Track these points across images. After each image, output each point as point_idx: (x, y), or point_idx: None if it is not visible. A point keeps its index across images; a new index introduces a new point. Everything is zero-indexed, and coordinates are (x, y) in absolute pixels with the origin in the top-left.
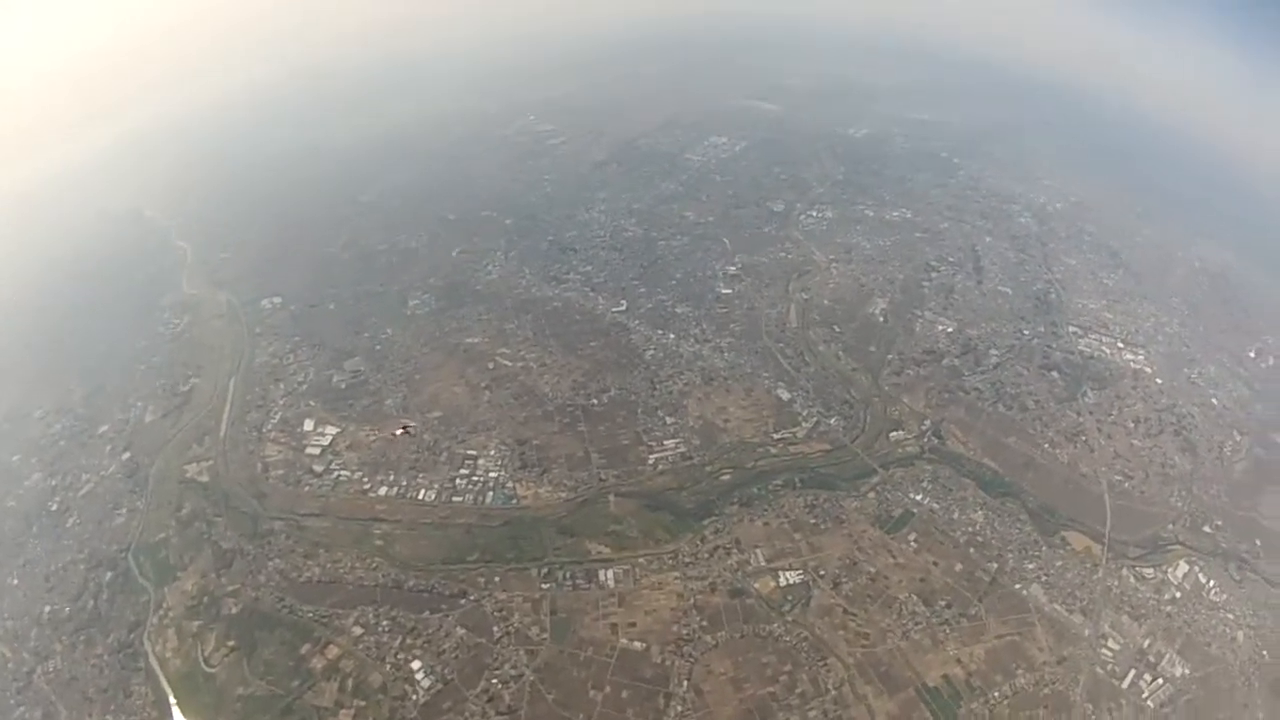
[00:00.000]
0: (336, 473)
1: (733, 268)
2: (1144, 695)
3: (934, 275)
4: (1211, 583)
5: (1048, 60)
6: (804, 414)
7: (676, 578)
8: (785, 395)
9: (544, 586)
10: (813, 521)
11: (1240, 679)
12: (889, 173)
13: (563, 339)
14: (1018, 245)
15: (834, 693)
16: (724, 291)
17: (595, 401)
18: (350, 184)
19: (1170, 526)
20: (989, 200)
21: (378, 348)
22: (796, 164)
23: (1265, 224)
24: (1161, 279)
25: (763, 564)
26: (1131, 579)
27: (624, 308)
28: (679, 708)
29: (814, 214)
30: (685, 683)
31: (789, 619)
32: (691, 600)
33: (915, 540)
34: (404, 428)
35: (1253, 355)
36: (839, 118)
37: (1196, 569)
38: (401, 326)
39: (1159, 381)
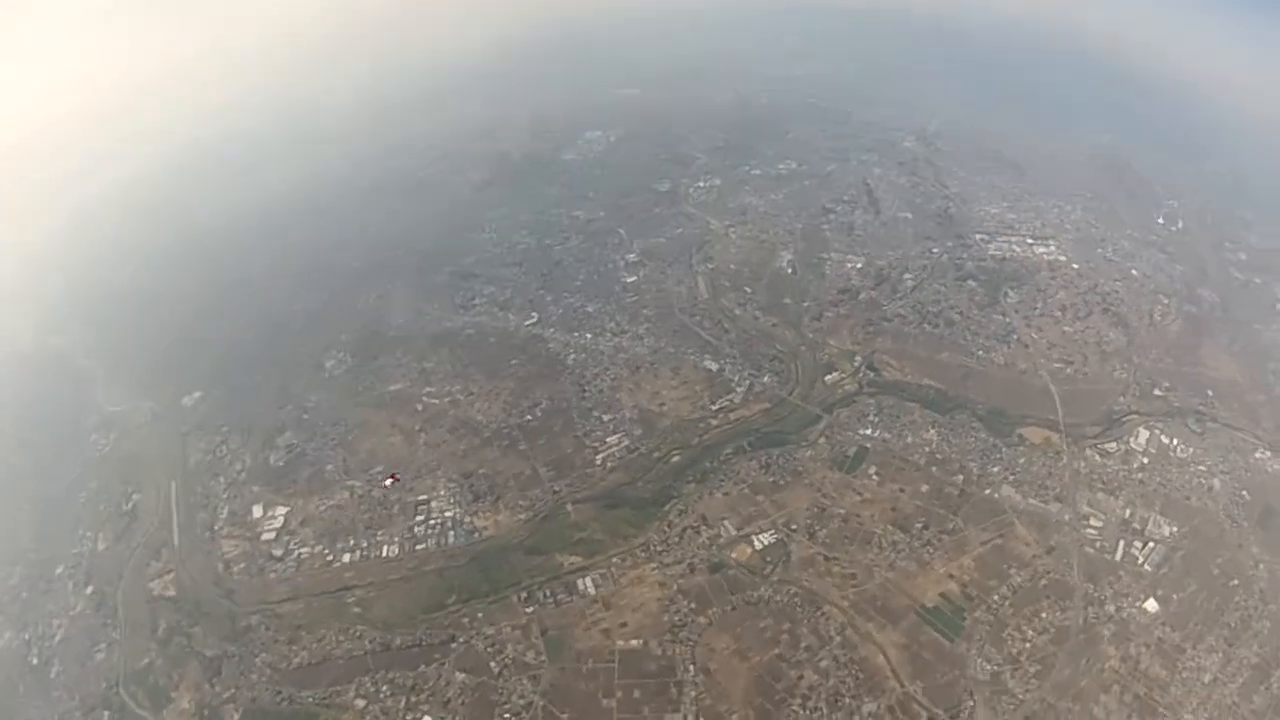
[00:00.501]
0: (297, 552)
1: (633, 255)
2: (1140, 562)
3: (832, 217)
4: (1174, 441)
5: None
6: (736, 380)
7: (654, 568)
8: (713, 366)
9: (528, 610)
10: (771, 480)
11: (1227, 521)
12: (768, 130)
13: (483, 364)
14: (908, 170)
15: (838, 638)
16: (629, 280)
17: (530, 417)
18: (245, 256)
19: (1121, 399)
20: (871, 135)
21: (305, 417)
22: (675, 141)
23: (1145, 107)
24: (1055, 172)
25: (734, 533)
26: (1096, 457)
27: (536, 319)
28: (693, 692)
29: (701, 185)
30: (691, 667)
31: (774, 580)
32: (674, 586)
33: (876, 473)
34: (392, 476)
35: (1161, 221)
36: (708, 88)
37: (1157, 432)
38: (324, 390)
39: (1075, 267)
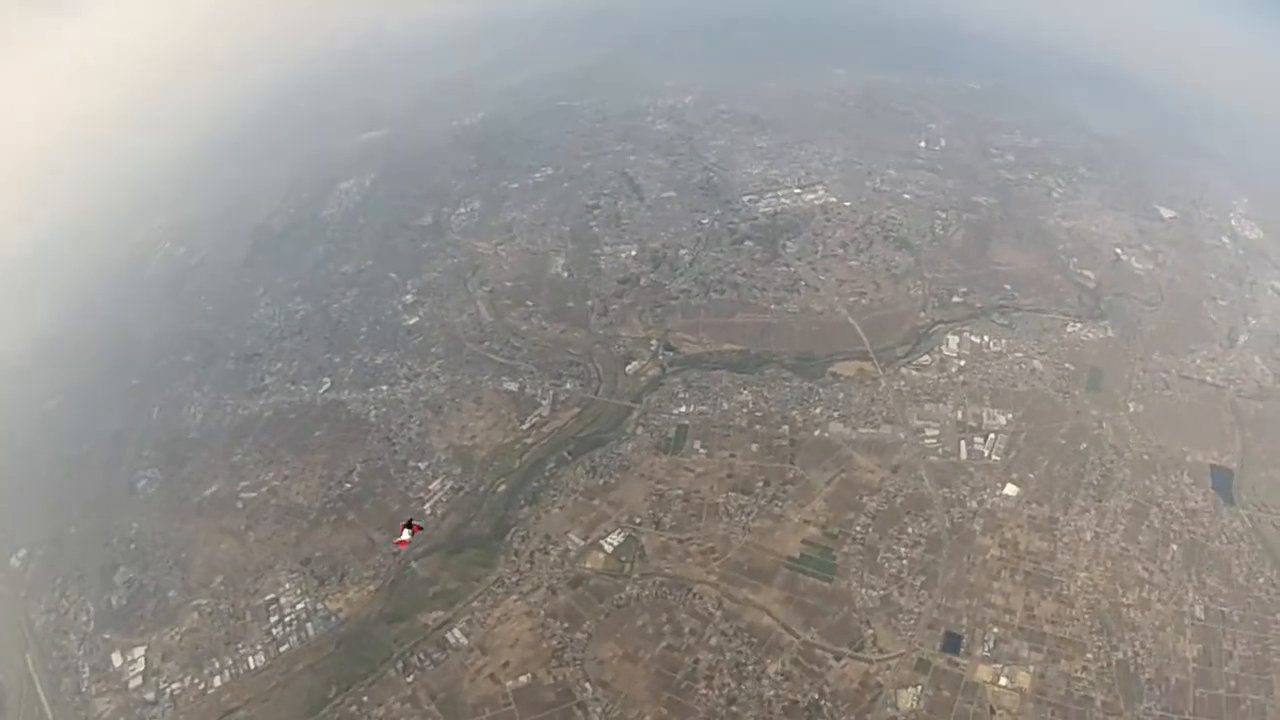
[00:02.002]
0: (168, 690)
1: (409, 297)
2: (986, 455)
3: (597, 212)
4: (985, 339)
5: None
6: (539, 394)
7: (516, 600)
8: (514, 386)
9: (409, 680)
10: (601, 482)
11: (1059, 395)
12: (517, 141)
13: (290, 444)
14: (663, 151)
15: (719, 613)
16: (411, 322)
17: (349, 485)
18: (23, 385)
19: (922, 314)
20: (620, 123)
21: (133, 546)
22: (428, 173)
23: (891, 40)
24: (812, 120)
25: (582, 543)
26: (913, 373)
27: (329, 385)
28: (598, 709)
29: (462, 211)
30: (588, 685)
31: (636, 577)
32: (542, 612)
33: (702, 447)
34: (411, 525)
35: (923, 145)
36: (450, 113)
37: (966, 334)
38: (142, 513)
39: (847, 204)
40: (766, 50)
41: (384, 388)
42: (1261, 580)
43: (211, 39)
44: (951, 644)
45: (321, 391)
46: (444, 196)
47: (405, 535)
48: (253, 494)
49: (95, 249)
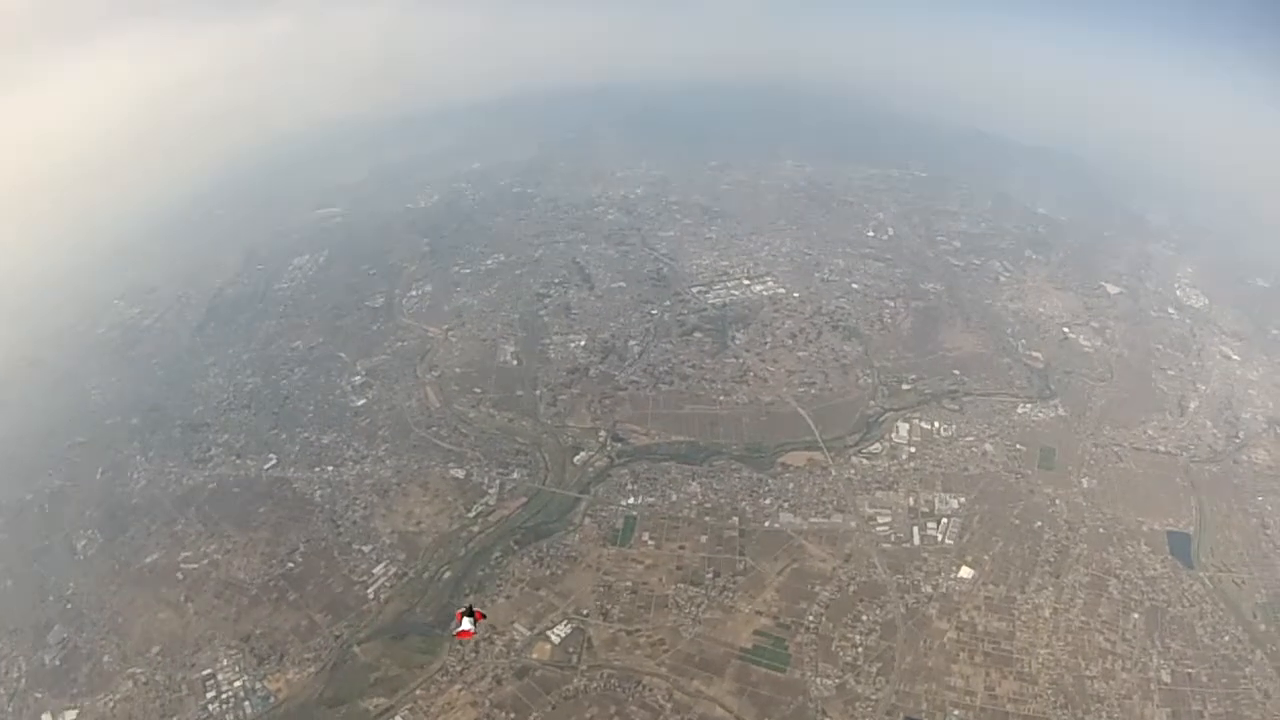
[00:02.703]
0: None
1: (358, 377)
2: (939, 539)
3: (547, 301)
4: (936, 424)
5: (579, 75)
6: (485, 482)
7: (460, 690)
8: (460, 473)
9: None
10: (548, 572)
11: (1011, 476)
12: (470, 226)
13: (233, 518)
14: (615, 241)
15: (669, 705)
16: (360, 403)
17: (291, 565)
18: None
19: (871, 402)
20: (573, 213)
21: (69, 607)
22: (382, 254)
23: (840, 133)
24: (761, 212)
25: (528, 634)
26: (864, 461)
27: (275, 461)
28: None
29: (414, 294)
30: None
31: (583, 669)
32: (487, 703)
33: (650, 538)
34: (474, 613)
35: (871, 234)
36: (405, 195)
37: (917, 421)
38: (81, 574)
39: (796, 295)
40: (718, 143)
41: (330, 468)
42: (1227, 638)
43: (178, 111)
44: None
45: (267, 468)
46: (396, 278)
47: (467, 624)
48: (194, 565)
49: (48, 307)
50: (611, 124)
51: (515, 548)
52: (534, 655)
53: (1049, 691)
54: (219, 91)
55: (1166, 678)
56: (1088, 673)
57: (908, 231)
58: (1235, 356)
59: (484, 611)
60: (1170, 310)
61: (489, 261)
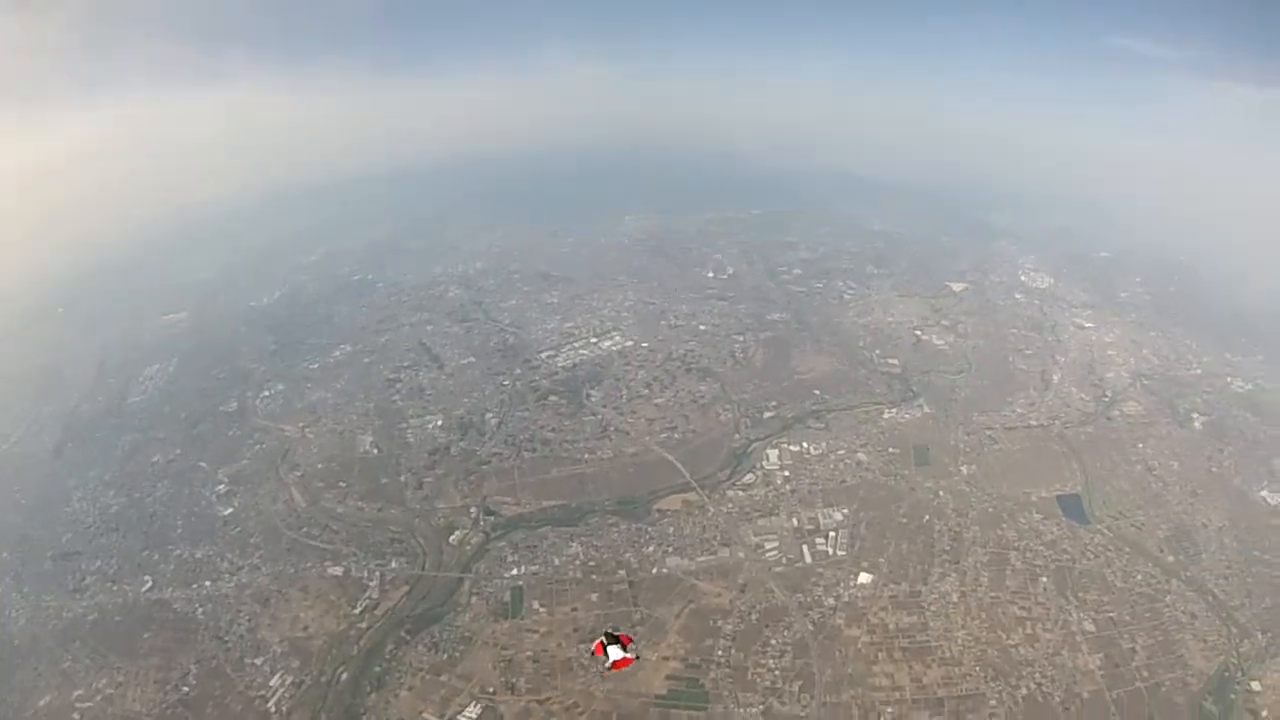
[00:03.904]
0: None
1: (222, 487)
2: (831, 552)
3: (399, 385)
4: (804, 445)
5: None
6: (365, 576)
7: None
8: (338, 571)
9: None
10: (446, 657)
11: (889, 479)
12: (314, 319)
13: (119, 648)
14: (459, 318)
15: None
16: (227, 513)
17: (186, 689)
18: None
19: (736, 436)
20: (415, 294)
21: None
22: (230, 356)
23: (674, 185)
24: (598, 268)
25: None
26: (739, 493)
27: (150, 583)
28: None
29: (266, 394)
30: None
31: None
32: None
33: (541, 606)
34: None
35: (712, 275)
36: (247, 292)
37: (784, 445)
38: None
39: (645, 345)
40: (553, 208)
41: (207, 583)
42: (1140, 577)
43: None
44: None
45: (144, 590)
46: (247, 380)
47: (617, 653)
48: (88, 704)
49: None
50: (455, 199)
51: (407, 638)
52: None
53: (976, 669)
54: (62, 181)
55: (1090, 627)
56: (1010, 642)
57: (747, 268)
58: (1089, 325)
59: (629, 635)
60: (1018, 296)
61: (336, 353)
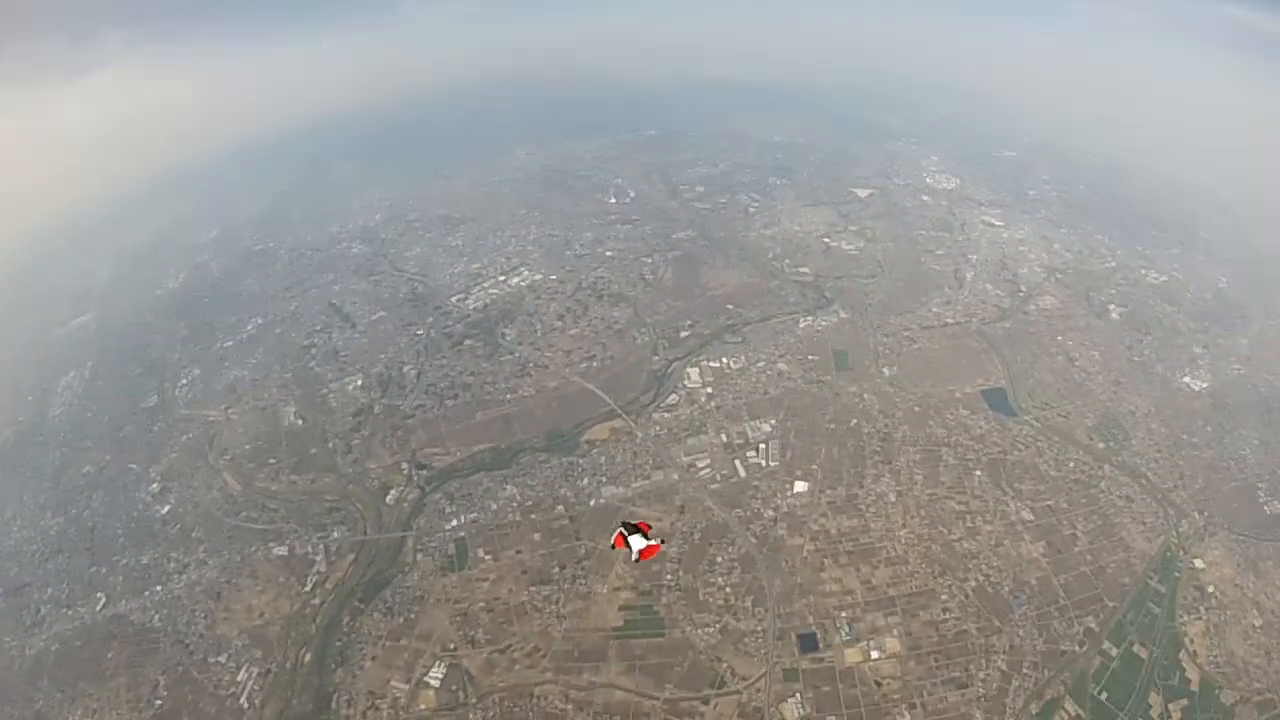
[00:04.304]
0: None
1: (156, 486)
2: (764, 464)
3: (314, 350)
4: (724, 360)
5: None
6: (310, 551)
7: None
8: (283, 550)
9: None
10: (402, 620)
11: (813, 386)
12: (222, 296)
13: (88, 674)
14: (364, 273)
15: (569, 706)
16: (165, 511)
17: (159, 701)
18: None
19: (654, 359)
20: (318, 255)
21: None
22: (142, 349)
23: (563, 112)
24: (498, 206)
25: (407, 687)
26: (665, 415)
27: (104, 600)
28: None
29: (184, 382)
30: None
31: (473, 702)
32: None
33: (486, 554)
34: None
35: (614, 200)
36: (151, 281)
37: (704, 363)
38: None
39: (554, 278)
40: (441, 152)
41: (158, 588)
42: (1072, 464)
43: None
44: (808, 644)
45: (99, 609)
46: (163, 370)
47: (640, 542)
48: None
49: None
50: (341, 156)
51: (361, 607)
52: (421, 706)
53: (923, 566)
54: None
55: (1029, 516)
56: (952, 536)
57: (648, 190)
58: (999, 223)
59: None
60: (924, 198)
61: (248, 327)
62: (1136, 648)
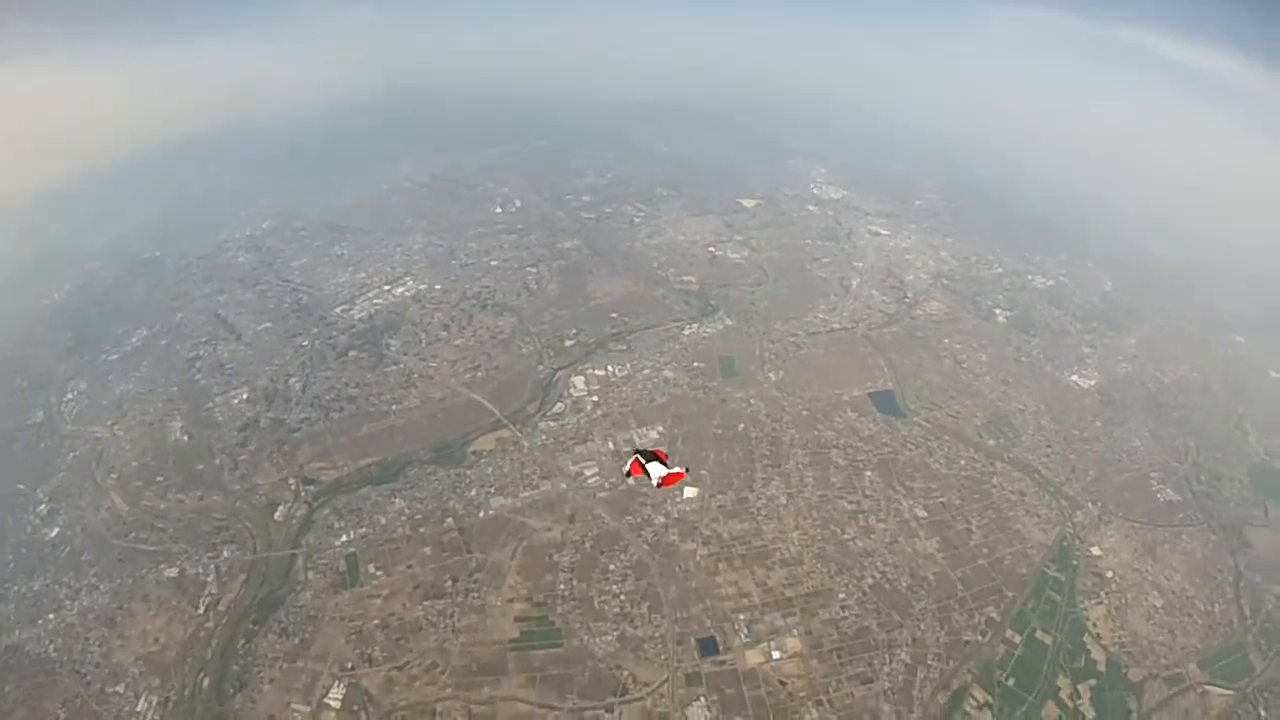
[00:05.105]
0: None
1: (43, 507)
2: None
3: (199, 363)
4: (609, 368)
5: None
6: (201, 572)
7: None
8: (174, 572)
9: None
10: (297, 640)
11: (699, 392)
12: (108, 307)
13: None
14: (250, 283)
15: (462, 696)
16: (53, 534)
17: None
18: None
19: (540, 368)
20: (204, 265)
21: None
22: (28, 362)
23: (452, 122)
24: (384, 215)
25: (307, 709)
26: (551, 424)
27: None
28: None
29: (70, 397)
30: None
31: (362, 715)
32: None
33: (377, 569)
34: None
35: (500, 210)
36: (37, 290)
37: (590, 371)
38: None
39: (438, 287)
40: (330, 162)
41: (51, 616)
42: (963, 462)
43: None
44: (708, 647)
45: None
46: (49, 384)
47: (659, 470)
48: None
49: None
50: (233, 165)
51: (255, 628)
52: None
53: (819, 566)
54: None
55: (922, 513)
56: (845, 536)
57: (535, 199)
58: (885, 232)
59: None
60: (811, 208)
61: (134, 339)
62: (1040, 634)
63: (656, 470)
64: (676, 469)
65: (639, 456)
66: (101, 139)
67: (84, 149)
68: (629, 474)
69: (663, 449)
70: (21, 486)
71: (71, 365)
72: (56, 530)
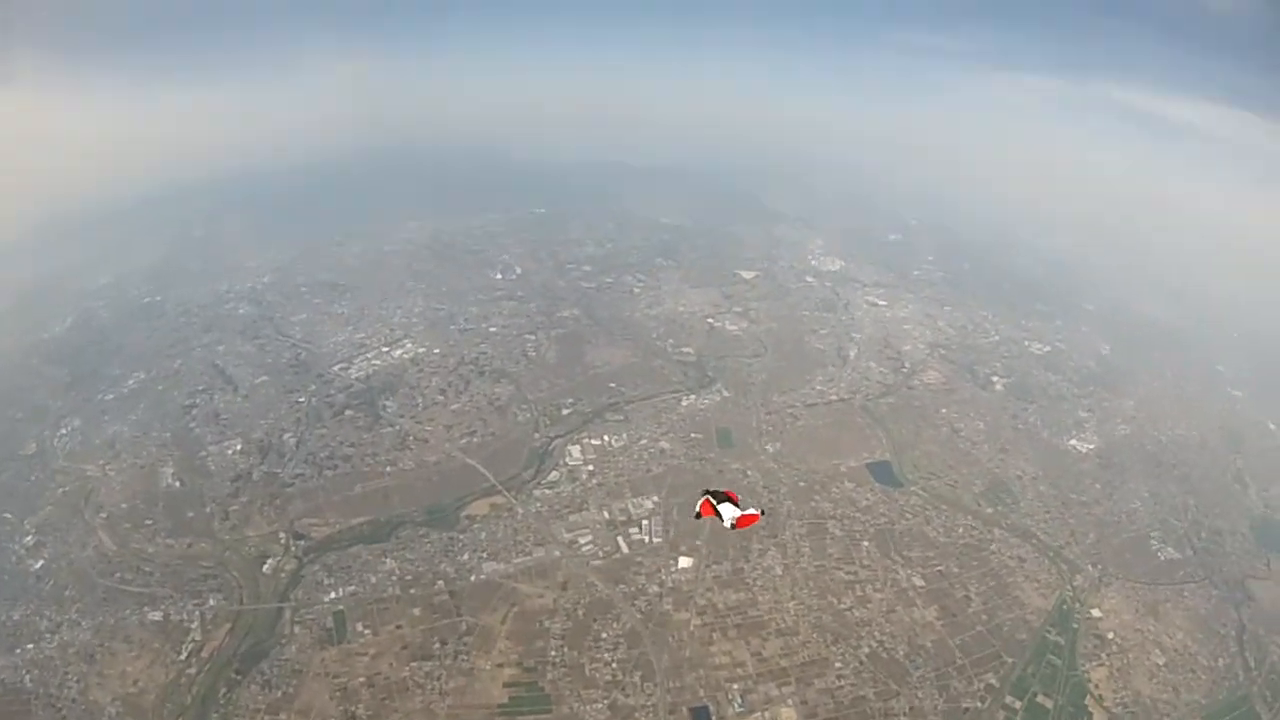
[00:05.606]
0: None
1: (30, 538)
2: (647, 540)
3: (195, 411)
4: (605, 438)
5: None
6: (185, 618)
7: None
8: (158, 616)
9: None
10: (280, 694)
11: (696, 463)
12: (107, 347)
13: None
14: (249, 336)
15: None
16: (37, 566)
17: None
18: None
19: (536, 435)
20: (204, 314)
21: None
22: (24, 393)
23: (455, 185)
24: (385, 276)
25: None
26: (546, 492)
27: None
28: None
29: (63, 432)
30: None
31: None
32: None
33: (365, 628)
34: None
35: (500, 276)
36: (39, 323)
37: (586, 440)
38: None
39: (437, 351)
40: (333, 215)
41: (30, 646)
42: (960, 530)
43: None
44: (701, 717)
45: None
46: (44, 418)
47: (731, 512)
48: None
49: None
50: (236, 213)
51: (238, 678)
52: None
53: (815, 635)
54: None
55: (920, 582)
56: (842, 606)
57: (535, 267)
58: (882, 303)
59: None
60: (809, 279)
61: (130, 382)
62: (1041, 698)
63: (729, 512)
64: (751, 510)
65: (710, 497)
66: (111, 173)
67: (92, 180)
68: (699, 515)
69: (732, 490)
70: (9, 515)
71: (67, 402)
72: (41, 563)
